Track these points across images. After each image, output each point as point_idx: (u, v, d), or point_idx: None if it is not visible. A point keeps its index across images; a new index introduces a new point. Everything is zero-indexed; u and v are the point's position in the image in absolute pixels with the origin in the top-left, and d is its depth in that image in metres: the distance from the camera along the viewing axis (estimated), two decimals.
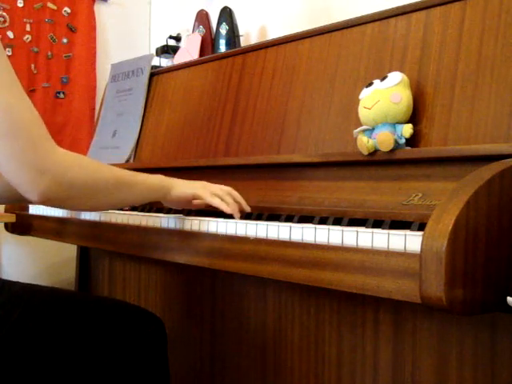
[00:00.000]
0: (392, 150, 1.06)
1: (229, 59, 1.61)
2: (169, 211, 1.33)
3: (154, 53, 2.23)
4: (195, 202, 1.19)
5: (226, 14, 1.97)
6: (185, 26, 2.34)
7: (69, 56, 2.46)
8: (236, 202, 1.15)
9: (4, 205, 1.86)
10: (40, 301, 1.10)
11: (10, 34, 2.32)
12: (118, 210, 1.40)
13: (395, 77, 1.09)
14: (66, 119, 2.45)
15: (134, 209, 1.44)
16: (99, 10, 2.55)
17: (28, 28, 2.36)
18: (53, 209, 1.64)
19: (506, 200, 0.76)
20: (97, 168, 1.02)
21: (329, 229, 0.89)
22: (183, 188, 1.14)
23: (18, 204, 1.81)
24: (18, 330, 1.02)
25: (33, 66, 2.36)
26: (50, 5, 2.41)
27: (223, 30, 1.96)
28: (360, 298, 1.16)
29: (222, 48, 1.94)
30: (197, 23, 2.08)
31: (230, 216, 1.12)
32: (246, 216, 1.13)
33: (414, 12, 1.17)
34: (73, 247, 2.14)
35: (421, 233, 0.74)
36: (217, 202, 1.11)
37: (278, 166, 1.31)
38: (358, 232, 0.85)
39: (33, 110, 0.91)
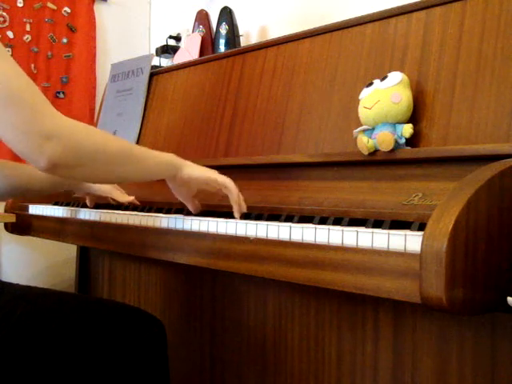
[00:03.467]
0: (392, 150, 1.06)
1: (229, 59, 1.61)
2: (169, 211, 1.33)
3: (154, 53, 2.23)
4: (197, 203, 1.19)
5: (226, 14, 1.97)
6: (185, 26, 2.34)
7: (69, 56, 2.46)
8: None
9: (4, 205, 1.86)
10: (40, 303, 1.10)
11: (10, 34, 2.32)
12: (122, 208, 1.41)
13: (395, 77, 1.09)
14: None
15: (134, 209, 1.44)
16: (99, 9, 2.55)
17: (28, 28, 2.36)
18: (53, 209, 1.64)
19: (506, 200, 0.76)
20: (104, 136, 1.01)
21: (329, 229, 0.89)
22: (196, 169, 1.13)
23: (18, 204, 1.81)
24: (17, 333, 1.02)
25: (33, 65, 2.36)
26: (49, 5, 2.41)
27: (223, 29, 1.96)
28: (360, 298, 1.15)
29: (222, 48, 1.94)
30: (197, 23, 2.08)
31: (230, 216, 1.11)
32: (245, 216, 1.13)
33: (414, 12, 1.17)
34: (73, 247, 2.14)
35: (421, 233, 0.74)
36: (230, 187, 1.10)
37: (278, 165, 1.31)
38: (358, 232, 0.85)
39: (30, 80, 0.91)
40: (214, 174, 1.13)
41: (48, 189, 1.43)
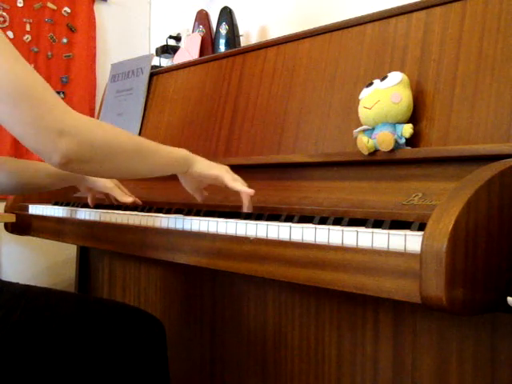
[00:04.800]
0: (392, 150, 1.06)
1: (229, 59, 1.61)
2: (169, 211, 1.33)
3: (154, 53, 2.23)
4: (205, 193, 1.21)
5: (226, 14, 1.97)
6: (185, 26, 2.34)
7: (69, 56, 2.46)
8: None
9: (4, 205, 1.85)
10: (40, 302, 1.10)
11: (10, 34, 2.32)
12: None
13: (395, 77, 1.09)
14: None
15: (134, 209, 1.44)
16: (99, 9, 2.55)
17: (28, 28, 2.36)
18: (53, 209, 1.64)
19: (506, 200, 0.76)
20: (116, 130, 1.01)
21: (329, 229, 0.89)
22: (206, 166, 1.14)
23: (18, 204, 1.81)
24: (17, 332, 1.02)
25: (33, 65, 2.35)
26: (49, 5, 2.41)
27: (223, 29, 1.96)
28: (360, 298, 1.15)
29: (222, 48, 1.94)
30: (197, 23, 2.08)
31: (230, 216, 1.11)
32: (245, 216, 1.13)
33: (414, 12, 1.17)
34: (73, 247, 2.13)
35: (421, 233, 0.74)
36: (238, 186, 1.12)
37: (278, 165, 1.31)
38: (358, 232, 0.85)
39: (40, 77, 0.91)
40: (222, 173, 1.14)
41: (52, 184, 1.44)
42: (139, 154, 1.03)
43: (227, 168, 1.17)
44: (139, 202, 1.46)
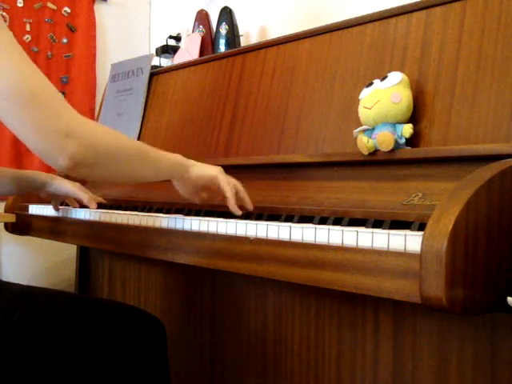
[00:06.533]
0: (392, 150, 1.06)
1: (229, 59, 1.61)
2: (169, 211, 1.33)
3: (154, 53, 2.23)
4: (203, 195, 1.20)
5: (226, 14, 1.97)
6: (185, 25, 2.34)
7: (69, 56, 2.46)
8: (240, 197, 1.15)
9: (4, 205, 1.85)
10: (40, 303, 1.10)
11: None
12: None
13: (395, 77, 1.09)
14: None
15: (134, 209, 1.44)
16: (99, 9, 2.55)
17: (28, 28, 2.36)
18: (52, 209, 1.64)
19: (506, 200, 0.76)
20: (119, 135, 1.01)
21: (329, 229, 0.89)
22: (202, 168, 1.14)
23: (18, 204, 1.81)
24: (17, 332, 1.02)
25: None
26: (49, 5, 2.41)
27: (223, 29, 1.96)
28: (360, 298, 1.15)
29: (222, 48, 1.94)
30: (197, 23, 2.08)
31: (230, 216, 1.11)
32: (245, 216, 1.13)
33: (414, 12, 1.17)
34: (73, 247, 2.14)
35: (421, 233, 0.74)
36: (228, 192, 1.11)
37: (278, 165, 1.31)
38: (358, 232, 0.85)
39: (46, 79, 0.91)
40: (218, 173, 1.14)
41: (15, 191, 1.46)
42: (142, 159, 1.04)
43: (221, 169, 1.16)
44: (103, 200, 1.47)
